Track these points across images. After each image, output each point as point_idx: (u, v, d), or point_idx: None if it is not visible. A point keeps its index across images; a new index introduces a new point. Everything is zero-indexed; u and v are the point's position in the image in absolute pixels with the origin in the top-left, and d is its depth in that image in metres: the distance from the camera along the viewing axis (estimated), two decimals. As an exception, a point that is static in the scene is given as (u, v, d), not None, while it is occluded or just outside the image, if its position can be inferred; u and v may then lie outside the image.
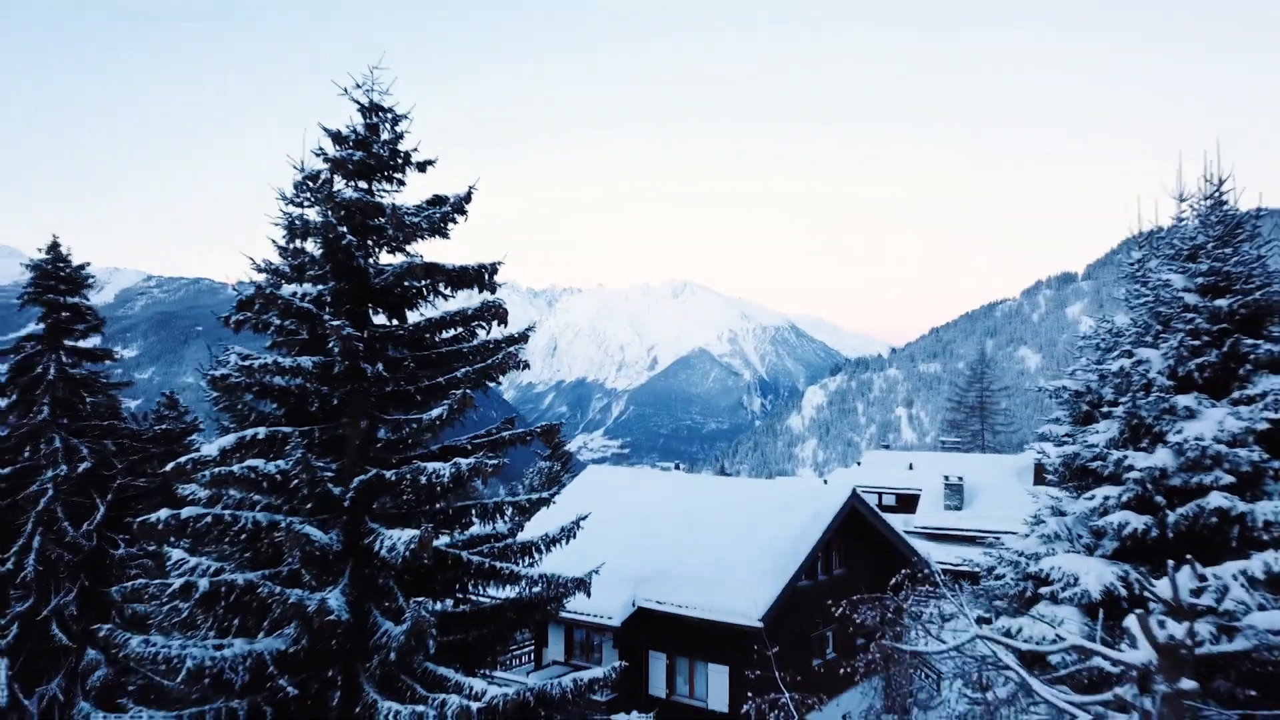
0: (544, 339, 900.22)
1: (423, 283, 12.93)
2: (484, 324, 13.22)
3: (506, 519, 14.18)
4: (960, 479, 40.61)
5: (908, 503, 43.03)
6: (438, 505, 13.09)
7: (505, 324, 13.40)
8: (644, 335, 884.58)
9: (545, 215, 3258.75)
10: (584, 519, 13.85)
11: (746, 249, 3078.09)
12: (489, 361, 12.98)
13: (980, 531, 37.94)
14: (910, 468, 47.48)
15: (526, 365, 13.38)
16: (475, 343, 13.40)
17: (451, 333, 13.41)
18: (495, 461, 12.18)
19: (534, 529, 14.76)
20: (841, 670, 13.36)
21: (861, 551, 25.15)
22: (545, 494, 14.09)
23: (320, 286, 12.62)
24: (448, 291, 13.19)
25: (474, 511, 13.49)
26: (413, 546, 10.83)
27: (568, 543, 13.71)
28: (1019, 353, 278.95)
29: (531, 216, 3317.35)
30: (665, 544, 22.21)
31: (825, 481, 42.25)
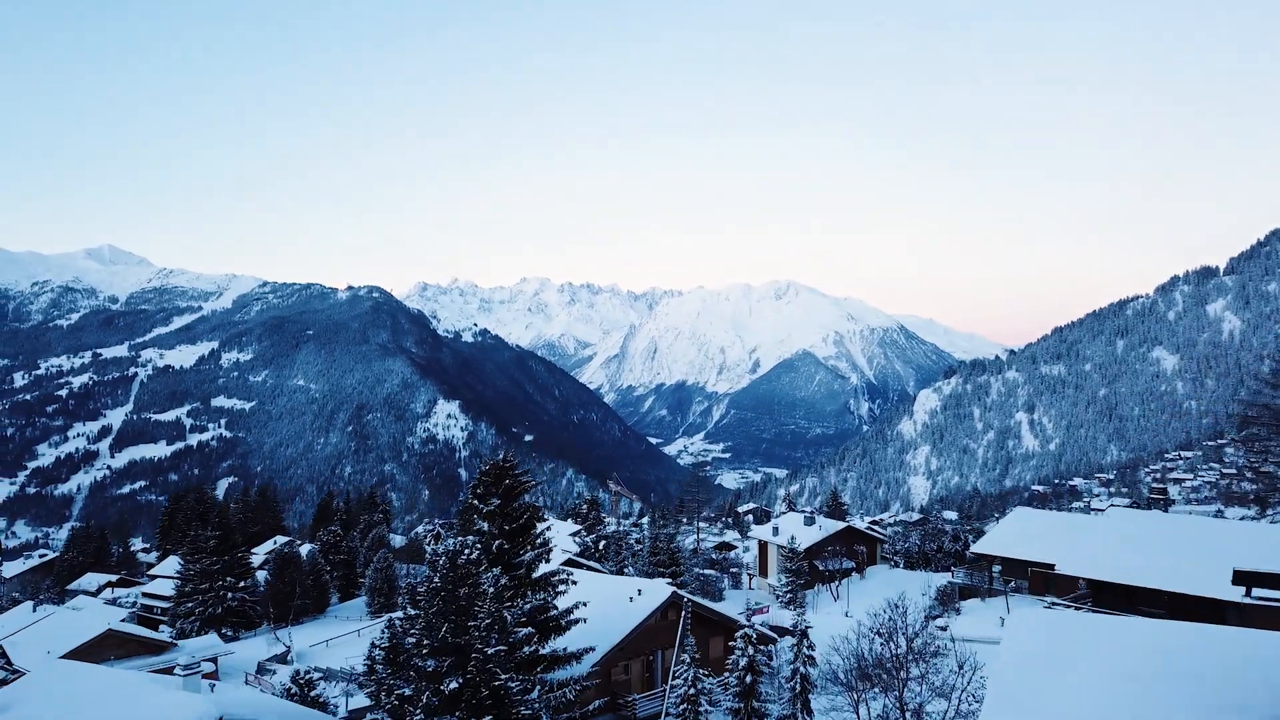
0: (644, 342, 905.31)
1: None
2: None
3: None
4: None
5: None
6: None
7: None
8: (745, 337, 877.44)
9: (646, 217, 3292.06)
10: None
11: (852, 248, 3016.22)
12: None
13: None
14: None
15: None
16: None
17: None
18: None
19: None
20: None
21: None
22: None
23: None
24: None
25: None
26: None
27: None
28: (1153, 354, 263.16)
29: (632, 219, 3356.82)
30: None
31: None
